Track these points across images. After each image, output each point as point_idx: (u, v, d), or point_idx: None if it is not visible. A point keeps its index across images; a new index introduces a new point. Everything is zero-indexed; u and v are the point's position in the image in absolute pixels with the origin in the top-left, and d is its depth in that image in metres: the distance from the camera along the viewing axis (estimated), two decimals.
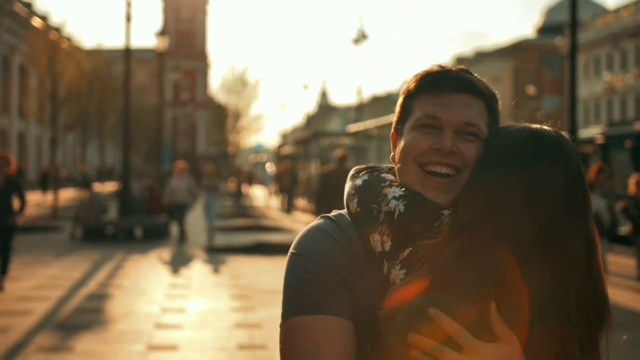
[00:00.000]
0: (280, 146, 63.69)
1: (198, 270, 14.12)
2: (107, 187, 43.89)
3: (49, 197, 34.98)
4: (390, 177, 1.65)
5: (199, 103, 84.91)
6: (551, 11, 76.43)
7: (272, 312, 9.88)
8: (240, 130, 64.70)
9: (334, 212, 1.68)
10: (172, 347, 8.04)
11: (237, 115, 63.96)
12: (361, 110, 47.01)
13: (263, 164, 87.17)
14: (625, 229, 14.86)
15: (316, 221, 1.66)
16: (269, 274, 13.42)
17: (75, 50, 38.76)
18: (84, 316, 9.66)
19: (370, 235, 1.57)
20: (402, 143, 1.65)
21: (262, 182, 39.04)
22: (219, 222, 25.33)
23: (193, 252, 16.79)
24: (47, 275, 13.08)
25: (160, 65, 36.98)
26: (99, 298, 10.95)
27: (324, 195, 12.75)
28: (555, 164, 1.49)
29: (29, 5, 55.68)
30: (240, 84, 63.76)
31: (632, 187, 12.88)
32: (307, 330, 1.52)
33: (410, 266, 1.50)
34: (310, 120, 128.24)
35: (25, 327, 8.88)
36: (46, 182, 40.44)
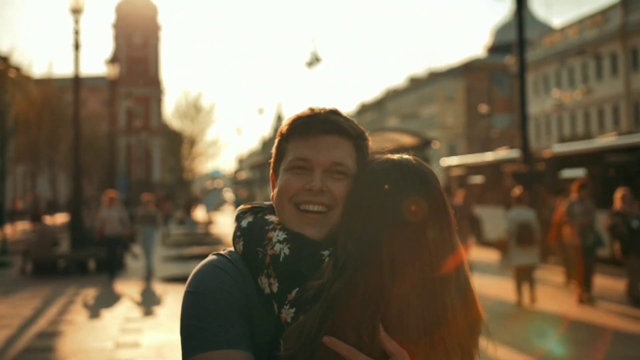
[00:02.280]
0: (236, 171, 63.42)
1: (153, 302, 13.79)
2: (58, 219, 43.06)
3: None
4: (273, 218, 1.74)
5: (153, 130, 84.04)
6: (500, 31, 77.77)
7: None
8: (196, 156, 64.25)
9: (225, 250, 1.75)
10: None
11: (192, 142, 63.53)
12: None
13: (220, 190, 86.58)
14: (607, 249, 13.94)
15: (208, 257, 1.73)
16: None
17: (24, 79, 38.13)
18: (34, 356, 9.31)
19: (257, 278, 1.65)
20: (278, 184, 1.77)
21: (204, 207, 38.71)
22: (173, 251, 24.98)
23: (147, 283, 16.43)
24: None
25: (112, 93, 36.51)
26: (50, 336, 10.59)
27: None
28: (416, 187, 1.63)
29: None
30: (194, 110, 63.41)
31: (617, 203, 11.99)
32: None
33: (300, 305, 1.59)
34: (267, 144, 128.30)
35: None
36: None
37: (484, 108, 56.29)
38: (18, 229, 38.93)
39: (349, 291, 1.55)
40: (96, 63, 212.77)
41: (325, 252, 1.64)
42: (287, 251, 1.64)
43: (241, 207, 1.85)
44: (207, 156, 66.13)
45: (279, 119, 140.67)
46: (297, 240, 1.66)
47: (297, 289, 1.61)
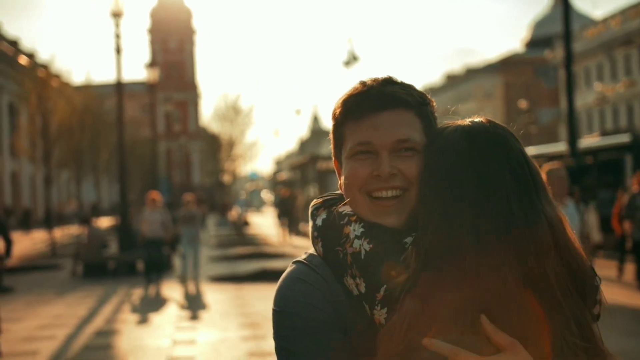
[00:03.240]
0: (275, 173, 63.67)
1: (204, 300, 13.85)
2: (103, 223, 43.60)
3: (36, 235, 34.68)
4: (347, 210, 1.60)
5: (191, 134, 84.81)
6: (539, 25, 76.92)
7: None
8: (235, 158, 64.56)
9: (305, 254, 1.63)
10: None
11: (231, 144, 63.86)
12: None
13: (259, 192, 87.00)
14: None
15: (289, 268, 1.62)
16: None
17: (65, 87, 38.66)
18: (93, 353, 9.40)
19: (343, 279, 1.53)
20: (343, 174, 1.63)
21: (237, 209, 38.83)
22: (218, 251, 25.12)
23: (196, 283, 16.52)
24: (51, 314, 12.81)
25: (152, 98, 36.87)
26: (107, 334, 10.69)
27: None
28: (494, 156, 1.48)
29: (15, 44, 55.72)
30: (233, 112, 63.71)
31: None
32: None
33: (390, 304, 1.46)
34: (304, 145, 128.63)
35: None
36: (41, 221, 40.12)
37: (523, 103, 55.71)
38: (65, 232, 39.48)
39: (440, 282, 1.41)
40: (131, 69, 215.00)
41: (409, 240, 1.50)
42: (366, 247, 1.50)
43: (314, 201, 1.70)
44: (246, 158, 66.41)
45: (316, 119, 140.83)
46: (375, 233, 1.52)
47: (384, 286, 1.47)
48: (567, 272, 1.45)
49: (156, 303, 13.73)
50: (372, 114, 1.58)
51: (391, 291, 1.45)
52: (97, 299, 14.50)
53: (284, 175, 49.20)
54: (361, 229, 1.53)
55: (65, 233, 39.12)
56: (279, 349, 1.53)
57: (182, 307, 13.15)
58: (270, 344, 9.36)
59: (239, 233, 34.54)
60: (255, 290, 14.79)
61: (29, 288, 16.53)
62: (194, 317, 11.95)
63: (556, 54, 55.07)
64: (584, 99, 55.31)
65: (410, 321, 1.40)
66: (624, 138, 19.94)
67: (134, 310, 13.05)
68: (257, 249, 25.21)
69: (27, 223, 44.26)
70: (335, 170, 1.71)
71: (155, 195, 17.09)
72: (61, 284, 17.47)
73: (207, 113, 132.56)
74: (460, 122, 1.57)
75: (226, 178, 67.66)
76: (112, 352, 9.45)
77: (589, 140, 21.62)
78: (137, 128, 67.18)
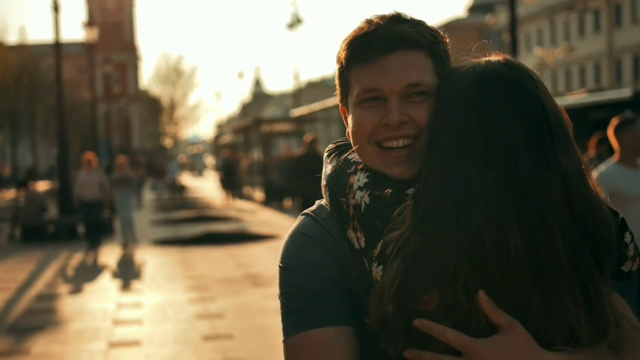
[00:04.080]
0: (217, 136, 63.10)
1: (148, 264, 13.68)
2: (40, 187, 42.69)
3: None
4: (357, 157, 1.51)
5: (131, 97, 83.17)
6: None
7: (232, 301, 9.60)
8: (177, 121, 63.75)
9: (315, 205, 1.55)
10: (134, 343, 7.70)
11: (173, 107, 63.00)
12: (298, 96, 46.80)
13: (201, 155, 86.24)
14: None
15: (297, 220, 1.55)
16: (222, 263, 13.10)
17: None
18: (36, 317, 9.20)
19: (347, 232, 1.45)
20: (350, 122, 1.52)
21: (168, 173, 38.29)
22: (161, 215, 24.84)
23: (140, 246, 16.30)
24: None
25: (90, 59, 35.96)
26: (49, 298, 10.48)
27: (296, 180, 13.53)
28: (506, 104, 1.35)
29: None
30: (175, 74, 62.77)
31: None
32: (298, 351, 1.44)
33: (385, 262, 1.37)
34: (246, 108, 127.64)
35: None
36: None
37: None
38: (1, 196, 38.54)
39: (435, 242, 1.31)
40: (68, 29, 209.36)
41: (410, 192, 1.40)
42: (367, 199, 1.41)
43: (328, 147, 1.60)
44: (189, 121, 65.66)
45: (258, 82, 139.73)
46: (378, 184, 1.43)
47: (381, 241, 1.38)
48: (581, 232, 1.33)
49: (99, 267, 13.49)
50: (380, 56, 1.46)
51: (386, 247, 1.37)
52: (37, 263, 14.19)
53: (227, 139, 48.81)
54: (365, 179, 1.44)
55: (1, 197, 38.17)
56: (282, 307, 1.48)
57: (126, 270, 12.96)
58: (217, 306, 9.31)
59: (175, 197, 34.14)
60: (200, 253, 14.67)
61: None
62: (139, 280, 11.79)
63: (498, 19, 55.62)
64: (524, 64, 56.10)
65: (401, 281, 1.32)
66: (623, 93, 17.92)
67: (76, 274, 12.82)
68: (201, 212, 25.03)
69: None
70: (343, 117, 1.60)
71: (91, 156, 16.34)
72: None
73: (148, 75, 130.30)
74: (474, 61, 1.44)
75: (167, 142, 66.83)
76: (55, 316, 9.26)
77: (574, 98, 18.99)
78: (75, 90, 65.52)
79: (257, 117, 38.16)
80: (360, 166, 1.47)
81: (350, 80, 1.51)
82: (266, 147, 28.48)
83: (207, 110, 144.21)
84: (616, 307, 1.37)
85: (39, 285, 11.51)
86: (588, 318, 1.32)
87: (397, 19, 1.50)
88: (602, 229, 1.35)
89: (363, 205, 1.41)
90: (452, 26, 72.88)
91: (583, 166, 1.39)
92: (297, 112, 32.59)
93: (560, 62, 52.28)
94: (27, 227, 18.39)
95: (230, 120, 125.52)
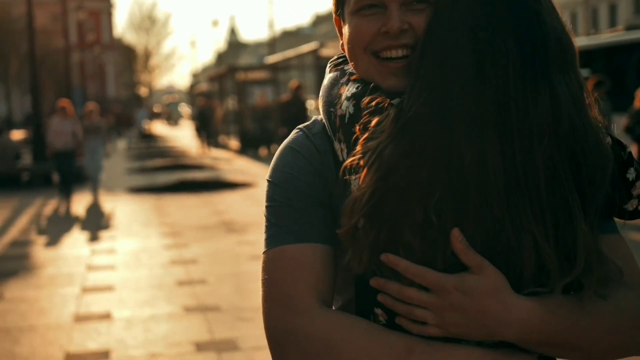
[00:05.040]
0: (192, 85, 62.48)
1: (122, 211, 13.69)
2: (15, 135, 42.23)
3: None
4: (351, 69, 1.45)
5: (105, 45, 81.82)
6: None
7: (207, 247, 9.67)
8: (152, 70, 62.99)
9: (312, 118, 1.52)
10: (108, 288, 7.76)
11: (148, 55, 62.18)
12: (273, 45, 46.39)
13: (176, 104, 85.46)
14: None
15: (291, 134, 1.51)
16: (197, 210, 13.15)
17: None
18: (10, 263, 9.22)
19: (334, 144, 1.41)
20: (346, 32, 1.45)
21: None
22: (136, 163, 24.75)
23: (114, 193, 16.28)
24: None
25: (63, 6, 35.30)
26: (23, 244, 10.49)
27: (283, 125, 14.00)
28: (500, 17, 1.27)
29: None
30: (148, 21, 61.84)
31: (639, 101, 10.83)
32: (273, 264, 1.41)
33: (360, 172, 1.31)
34: (221, 57, 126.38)
35: None
36: None
37: None
38: None
39: (413, 154, 1.25)
40: None
41: (395, 102, 1.33)
42: (351, 109, 1.37)
43: (333, 57, 1.55)
44: (163, 69, 64.89)
45: (233, 31, 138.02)
46: (364, 94, 1.37)
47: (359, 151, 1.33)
48: (566, 161, 1.26)
49: (72, 215, 13.48)
50: None
51: (363, 157, 1.31)
52: (11, 210, 14.15)
53: (202, 87, 48.39)
54: (354, 90, 1.39)
55: None
56: (265, 219, 1.45)
57: (100, 218, 12.97)
58: (191, 252, 9.39)
59: (142, 146, 34.02)
60: (175, 200, 14.70)
61: None
62: (113, 227, 11.82)
63: None
64: None
65: (372, 192, 1.27)
66: None
67: (50, 221, 12.81)
68: (176, 161, 24.96)
69: None
70: (336, 29, 1.52)
71: (66, 103, 15.66)
72: None
73: (122, 23, 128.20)
74: None
75: (142, 90, 66.08)
76: (28, 262, 9.29)
77: (608, 36, 16.88)
78: (49, 38, 64.40)
79: (232, 65, 37.82)
80: (354, 77, 1.43)
81: None
82: (241, 95, 28.30)
83: (181, 58, 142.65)
84: (600, 248, 1.29)
85: (13, 232, 11.50)
86: (556, 251, 1.25)
87: None
88: (593, 160, 1.28)
89: (347, 115, 1.38)
90: None
91: (584, 93, 1.31)
92: (271, 59, 32.34)
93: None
94: (1, 174, 18.26)
95: (206, 69, 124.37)
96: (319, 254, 1.38)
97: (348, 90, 1.40)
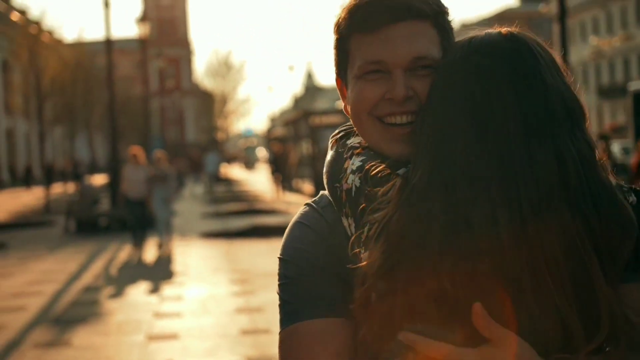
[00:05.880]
0: (269, 129, 63.41)
1: (194, 256, 13.87)
2: (98, 180, 43.61)
3: (35, 192, 34.59)
4: (356, 142, 1.42)
5: (185, 91, 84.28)
6: None
7: (274, 295, 9.52)
8: (228, 114, 64.32)
9: (319, 194, 1.49)
10: (172, 336, 7.81)
11: (224, 100, 63.59)
12: None
13: (254, 148, 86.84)
14: None
15: (299, 210, 1.48)
16: (267, 257, 13.17)
17: (57, 43, 38.33)
18: (80, 309, 9.41)
19: (342, 220, 1.37)
20: (350, 96, 1.43)
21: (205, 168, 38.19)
22: (211, 207, 25.12)
23: (187, 238, 16.53)
24: (41, 269, 12.82)
25: (144, 53, 36.56)
26: (95, 290, 10.71)
27: None
28: (501, 80, 1.23)
29: (6, 0, 54.96)
30: (224, 68, 63.35)
31: None
32: (288, 343, 1.38)
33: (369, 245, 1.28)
34: (298, 101, 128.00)
35: (20, 323, 8.63)
36: (35, 177, 40.06)
37: None
38: (59, 189, 39.44)
39: (421, 220, 1.21)
40: (124, 26, 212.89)
41: (401, 172, 1.30)
42: (357, 183, 1.33)
43: (333, 133, 1.50)
44: (239, 114, 66.18)
45: (310, 76, 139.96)
46: (370, 167, 1.34)
47: (367, 226, 1.28)
48: (579, 221, 1.19)
49: (144, 261, 13.73)
50: (384, 26, 1.35)
51: (370, 229, 1.27)
52: (87, 255, 14.51)
53: (278, 132, 49.02)
54: (359, 163, 1.36)
55: (62, 190, 39.08)
56: (279, 298, 1.43)
57: (172, 264, 13.16)
58: (259, 300, 9.39)
59: (213, 190, 34.38)
60: (246, 246, 14.81)
61: (21, 244, 16.54)
62: (184, 273, 11.96)
63: (551, 7, 54.57)
64: (579, 54, 54.99)
65: (381, 265, 1.23)
66: None
67: (122, 267, 13.06)
68: (250, 205, 25.22)
69: (28, 180, 44.37)
70: (339, 92, 1.51)
71: (137, 150, 15.19)
72: (53, 240, 17.48)
73: (200, 70, 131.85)
74: (473, 33, 1.34)
75: (220, 135, 67.44)
76: (99, 309, 9.47)
77: None
78: (130, 85, 66.74)
79: (306, 110, 38.21)
80: (358, 150, 1.40)
81: (349, 50, 1.42)
82: (315, 139, 28.50)
83: (257, 103, 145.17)
84: (627, 312, 1.21)
85: (86, 278, 11.77)
86: (580, 317, 1.18)
87: None
88: (609, 226, 1.20)
89: (354, 189, 1.34)
90: (504, 16, 71.95)
91: (594, 153, 1.25)
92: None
93: (618, 50, 51.09)
94: (80, 219, 18.83)
95: (283, 113, 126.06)
96: (333, 328, 1.34)
97: (353, 163, 1.37)
